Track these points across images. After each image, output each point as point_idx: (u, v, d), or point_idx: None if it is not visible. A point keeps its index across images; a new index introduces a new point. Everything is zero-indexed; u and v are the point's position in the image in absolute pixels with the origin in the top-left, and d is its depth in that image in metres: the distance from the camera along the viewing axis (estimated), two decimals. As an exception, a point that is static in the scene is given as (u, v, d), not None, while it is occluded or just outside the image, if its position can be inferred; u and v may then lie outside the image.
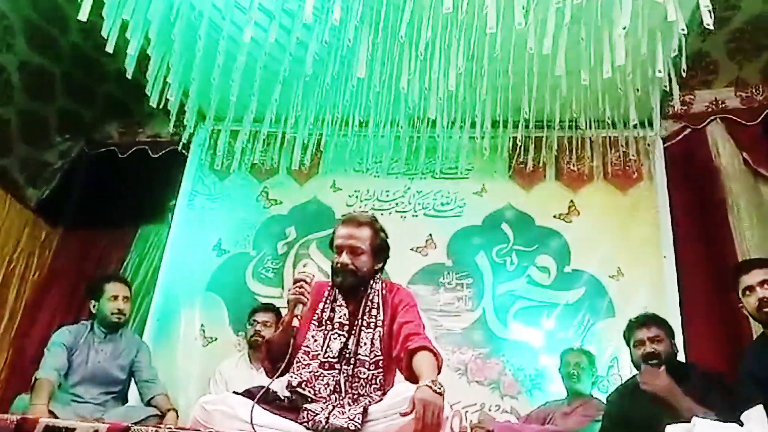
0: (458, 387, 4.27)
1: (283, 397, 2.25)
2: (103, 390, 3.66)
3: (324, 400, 2.28)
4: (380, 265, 2.63)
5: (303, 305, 2.33)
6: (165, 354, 4.57)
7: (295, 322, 2.31)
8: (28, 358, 4.61)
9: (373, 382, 2.36)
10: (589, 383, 3.82)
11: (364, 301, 2.52)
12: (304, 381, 2.34)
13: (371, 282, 2.57)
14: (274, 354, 2.42)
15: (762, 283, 2.94)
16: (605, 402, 3.39)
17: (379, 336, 2.44)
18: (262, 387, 2.23)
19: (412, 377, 2.25)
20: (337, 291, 2.56)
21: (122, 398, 3.79)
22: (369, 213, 2.89)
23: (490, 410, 4.20)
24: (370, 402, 2.22)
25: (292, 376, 2.37)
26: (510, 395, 4.27)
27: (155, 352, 4.26)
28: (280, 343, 2.38)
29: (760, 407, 2.65)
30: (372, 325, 2.46)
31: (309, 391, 2.31)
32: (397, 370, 2.48)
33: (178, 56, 3.93)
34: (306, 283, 2.36)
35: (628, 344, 3.28)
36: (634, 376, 3.24)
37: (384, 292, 2.57)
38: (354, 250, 2.51)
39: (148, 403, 3.68)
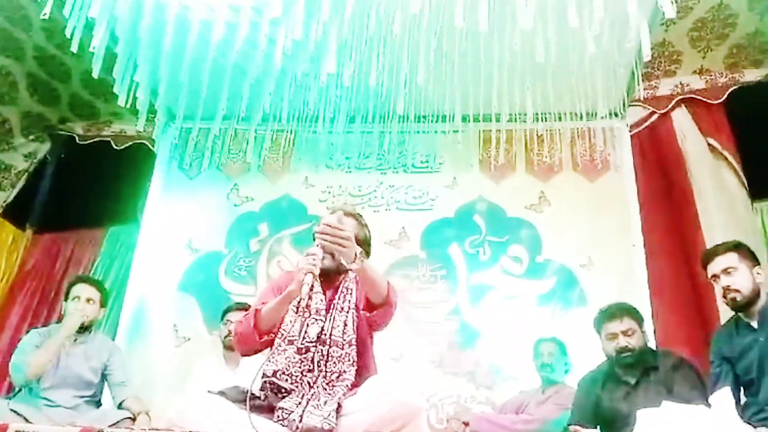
0: (433, 379, 4.31)
1: (258, 395, 2.24)
2: (76, 393, 3.60)
3: (297, 391, 2.27)
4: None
5: (313, 276, 2.26)
6: (138, 355, 4.54)
7: (305, 289, 2.23)
8: (-2, 364, 4.55)
9: (346, 359, 2.38)
10: (562, 372, 3.87)
11: (340, 288, 2.54)
12: (279, 370, 2.33)
13: (348, 272, 2.57)
14: (264, 325, 2.40)
15: (724, 271, 2.97)
16: (576, 387, 3.43)
17: (353, 319, 2.46)
18: (237, 387, 2.22)
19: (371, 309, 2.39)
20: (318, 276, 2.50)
21: (96, 402, 3.75)
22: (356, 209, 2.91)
23: (465, 401, 4.25)
24: (344, 394, 2.23)
25: (267, 364, 2.34)
26: (485, 386, 4.31)
27: (128, 354, 4.23)
28: (277, 312, 2.38)
29: (726, 389, 2.70)
30: (345, 308, 2.48)
31: (284, 380, 2.30)
32: (371, 347, 2.54)
33: (145, 54, 3.88)
34: (317, 256, 2.32)
35: (598, 333, 3.29)
36: (605, 362, 3.28)
37: (357, 277, 2.57)
38: None
39: (120, 406, 3.64)
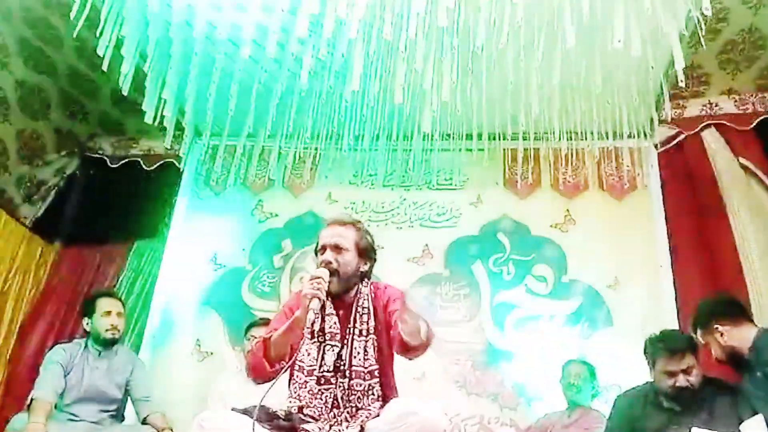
0: (457, 399, 4.26)
1: (281, 415, 2.23)
2: (100, 408, 3.62)
3: (323, 419, 2.24)
4: (366, 268, 2.54)
5: (319, 301, 2.21)
6: (161, 369, 4.56)
7: (311, 316, 2.18)
8: (24, 377, 4.59)
9: (371, 392, 2.32)
10: (589, 395, 3.80)
11: (354, 307, 2.45)
12: (303, 405, 2.28)
13: (359, 286, 2.50)
14: (274, 354, 2.30)
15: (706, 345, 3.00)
16: (615, 400, 3.26)
17: (373, 344, 2.39)
18: (263, 407, 2.19)
19: (406, 350, 2.26)
20: (326, 299, 2.41)
21: (119, 416, 3.77)
22: (354, 216, 2.83)
23: (489, 423, 4.19)
24: (367, 417, 2.20)
25: (290, 401, 2.31)
26: (509, 407, 4.25)
27: (152, 368, 4.25)
28: (285, 340, 2.27)
29: (759, 417, 2.64)
30: (364, 332, 2.40)
31: (310, 418, 2.26)
32: (393, 369, 2.46)
33: (173, 73, 3.93)
34: (324, 280, 2.27)
35: (650, 362, 3.08)
36: (648, 386, 3.15)
37: (372, 295, 2.50)
38: (337, 247, 2.44)
39: (144, 422, 3.65)
